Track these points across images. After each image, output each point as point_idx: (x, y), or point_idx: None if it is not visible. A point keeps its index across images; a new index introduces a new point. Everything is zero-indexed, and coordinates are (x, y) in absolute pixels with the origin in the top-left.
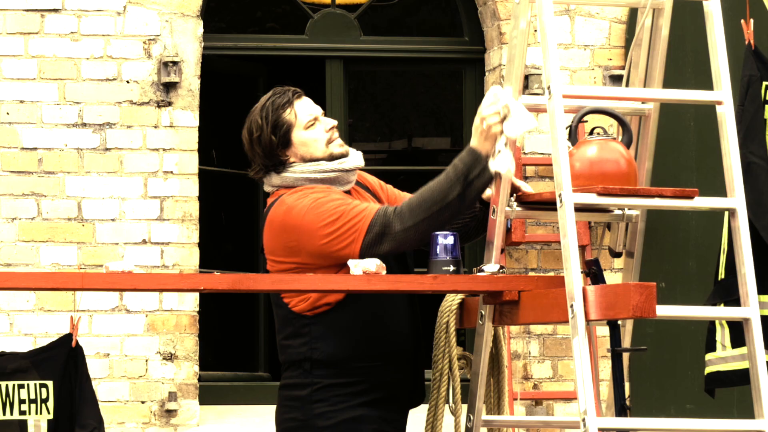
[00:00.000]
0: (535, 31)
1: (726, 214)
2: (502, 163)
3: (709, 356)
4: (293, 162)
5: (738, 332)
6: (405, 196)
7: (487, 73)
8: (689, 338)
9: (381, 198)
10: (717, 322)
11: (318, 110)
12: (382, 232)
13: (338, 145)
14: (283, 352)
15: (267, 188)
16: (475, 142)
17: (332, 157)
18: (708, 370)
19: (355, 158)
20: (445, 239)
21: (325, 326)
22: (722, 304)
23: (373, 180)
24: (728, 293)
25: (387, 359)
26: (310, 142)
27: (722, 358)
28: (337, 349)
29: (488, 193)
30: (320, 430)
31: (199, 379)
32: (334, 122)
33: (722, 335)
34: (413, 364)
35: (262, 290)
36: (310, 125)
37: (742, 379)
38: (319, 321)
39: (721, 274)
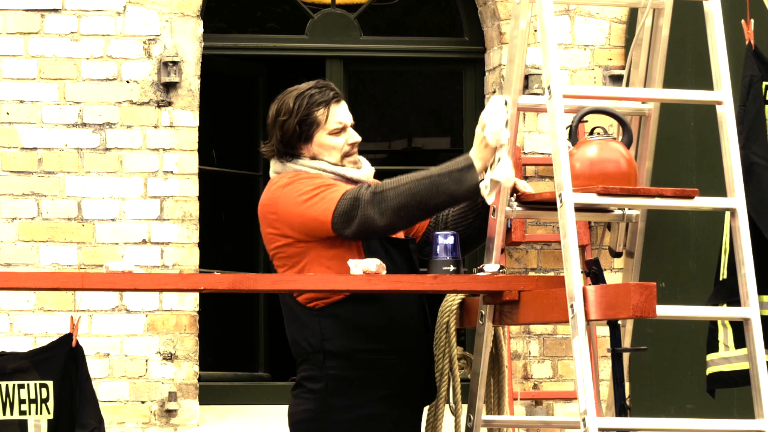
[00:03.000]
0: (535, 31)
1: (727, 214)
2: (501, 172)
3: (710, 356)
4: (303, 156)
5: (742, 332)
6: None
7: (487, 73)
8: (689, 338)
9: None
10: (719, 323)
11: (349, 119)
12: (352, 199)
13: (352, 162)
14: (296, 347)
15: (271, 177)
16: (473, 149)
17: None
18: (710, 370)
19: (363, 171)
20: (445, 239)
21: (336, 318)
22: (725, 305)
23: None
24: (731, 294)
25: (400, 353)
26: (328, 147)
27: (725, 358)
28: (350, 340)
29: (491, 200)
30: (337, 424)
31: (199, 379)
32: (359, 138)
33: (725, 335)
34: (426, 360)
35: (262, 290)
36: (335, 132)
37: (745, 379)
38: (329, 313)
39: (723, 275)
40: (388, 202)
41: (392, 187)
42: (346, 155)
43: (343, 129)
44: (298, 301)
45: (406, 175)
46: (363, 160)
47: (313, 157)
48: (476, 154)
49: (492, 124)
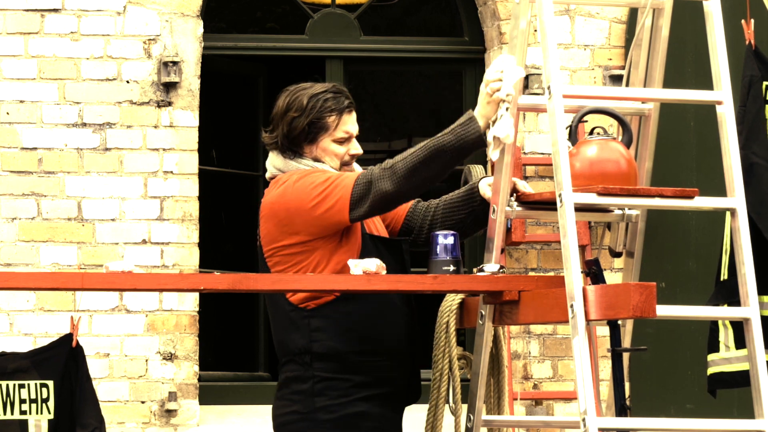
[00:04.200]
0: (535, 31)
1: (727, 214)
2: (501, 129)
3: (711, 357)
4: (305, 155)
5: (742, 333)
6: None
7: None
8: (689, 338)
9: None
10: (720, 323)
11: (355, 130)
12: (365, 182)
13: (348, 171)
14: (282, 347)
15: (269, 170)
16: (477, 106)
17: None
18: (711, 370)
19: None
20: (445, 239)
21: (325, 319)
22: (726, 305)
23: None
24: (732, 294)
25: (386, 355)
26: (330, 153)
27: (726, 359)
28: (337, 342)
29: (494, 156)
30: (322, 424)
31: (199, 379)
32: (360, 151)
33: (726, 336)
34: (411, 361)
35: (262, 290)
36: (341, 141)
37: (746, 380)
38: (318, 314)
39: (724, 275)
40: (398, 172)
41: (401, 158)
42: (344, 164)
43: (348, 138)
44: (291, 301)
45: (414, 147)
46: (356, 168)
47: (315, 159)
48: (479, 111)
49: (507, 75)
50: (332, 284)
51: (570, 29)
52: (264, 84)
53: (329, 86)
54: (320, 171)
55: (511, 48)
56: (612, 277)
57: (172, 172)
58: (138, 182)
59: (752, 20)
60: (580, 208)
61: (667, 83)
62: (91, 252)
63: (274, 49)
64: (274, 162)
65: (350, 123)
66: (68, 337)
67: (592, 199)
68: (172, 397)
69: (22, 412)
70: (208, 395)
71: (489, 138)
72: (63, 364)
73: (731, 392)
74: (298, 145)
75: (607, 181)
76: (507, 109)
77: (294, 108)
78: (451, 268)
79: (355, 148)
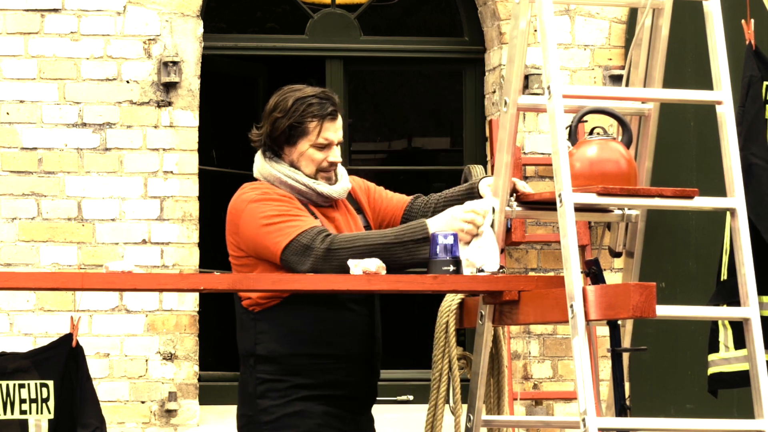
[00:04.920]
0: (535, 31)
1: (727, 214)
2: (478, 258)
3: (712, 357)
4: (284, 158)
5: (742, 333)
6: (395, 197)
7: (487, 73)
8: (689, 338)
9: (363, 206)
10: (720, 323)
11: (337, 138)
12: (306, 245)
13: (325, 178)
14: (238, 348)
15: (254, 170)
16: (439, 217)
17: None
18: (711, 371)
19: (337, 188)
20: (445, 239)
21: (270, 322)
22: (725, 305)
23: (360, 183)
24: (732, 294)
25: (334, 358)
26: (307, 158)
27: (725, 359)
28: (279, 345)
29: (467, 272)
30: (263, 425)
31: (199, 379)
32: (339, 159)
33: (725, 336)
34: (366, 364)
35: (263, 290)
36: (319, 147)
37: (745, 380)
38: (264, 317)
39: (724, 275)
40: (339, 260)
41: (346, 247)
42: (321, 170)
43: (328, 146)
44: (242, 304)
45: (364, 235)
46: (342, 174)
47: (292, 163)
48: (436, 222)
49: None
50: (332, 284)
51: (570, 29)
52: (264, 84)
53: (318, 91)
54: (278, 198)
55: (511, 48)
56: (612, 277)
57: (172, 172)
58: (138, 182)
59: (752, 20)
60: (580, 208)
61: (667, 83)
62: (91, 252)
63: (274, 49)
64: (255, 162)
65: (331, 130)
66: (68, 337)
67: (592, 199)
68: (172, 397)
69: (22, 412)
70: (208, 395)
71: (462, 257)
72: (63, 364)
73: (731, 392)
74: (279, 146)
75: (607, 181)
76: (485, 237)
77: (279, 108)
78: (451, 268)
79: (335, 156)
